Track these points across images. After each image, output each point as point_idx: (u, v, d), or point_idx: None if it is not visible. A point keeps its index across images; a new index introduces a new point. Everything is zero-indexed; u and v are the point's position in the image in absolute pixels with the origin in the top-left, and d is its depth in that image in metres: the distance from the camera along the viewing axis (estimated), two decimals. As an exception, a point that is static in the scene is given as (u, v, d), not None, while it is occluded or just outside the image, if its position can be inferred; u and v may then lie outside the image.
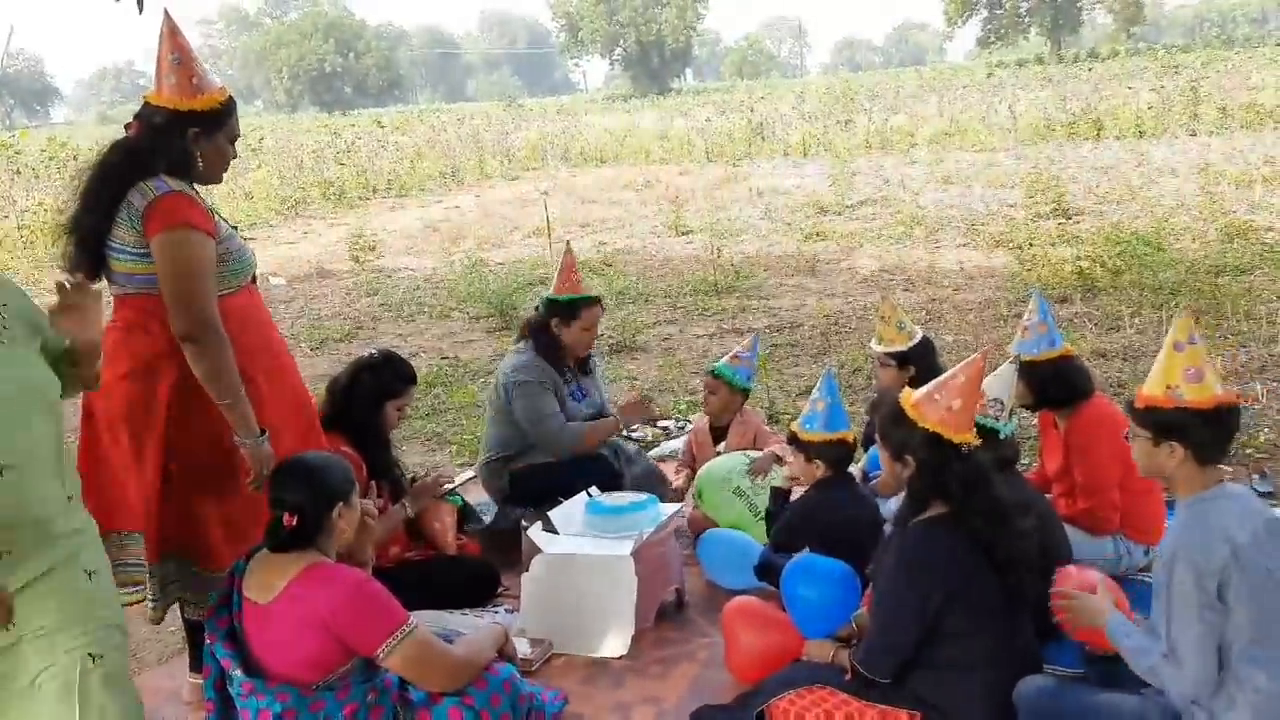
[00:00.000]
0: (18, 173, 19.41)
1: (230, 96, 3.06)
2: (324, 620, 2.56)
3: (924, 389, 2.82)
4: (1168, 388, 2.52)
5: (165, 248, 2.86)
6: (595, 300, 4.62)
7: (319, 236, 15.64)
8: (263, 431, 2.99)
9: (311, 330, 9.31)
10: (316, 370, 7.61)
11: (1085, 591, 2.85)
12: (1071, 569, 3.14)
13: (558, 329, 4.51)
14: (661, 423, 4.67)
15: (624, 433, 4.71)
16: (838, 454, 3.59)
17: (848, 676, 2.82)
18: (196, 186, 3.11)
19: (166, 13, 3.01)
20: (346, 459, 3.69)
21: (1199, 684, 2.41)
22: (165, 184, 2.91)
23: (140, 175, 2.92)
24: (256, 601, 2.64)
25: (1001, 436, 3.34)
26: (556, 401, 4.44)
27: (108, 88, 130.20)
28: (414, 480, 4.14)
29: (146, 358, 2.97)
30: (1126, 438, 2.64)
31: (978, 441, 2.79)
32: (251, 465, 2.97)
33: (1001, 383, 3.39)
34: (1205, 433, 2.49)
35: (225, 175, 3.20)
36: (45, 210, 15.68)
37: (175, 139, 2.97)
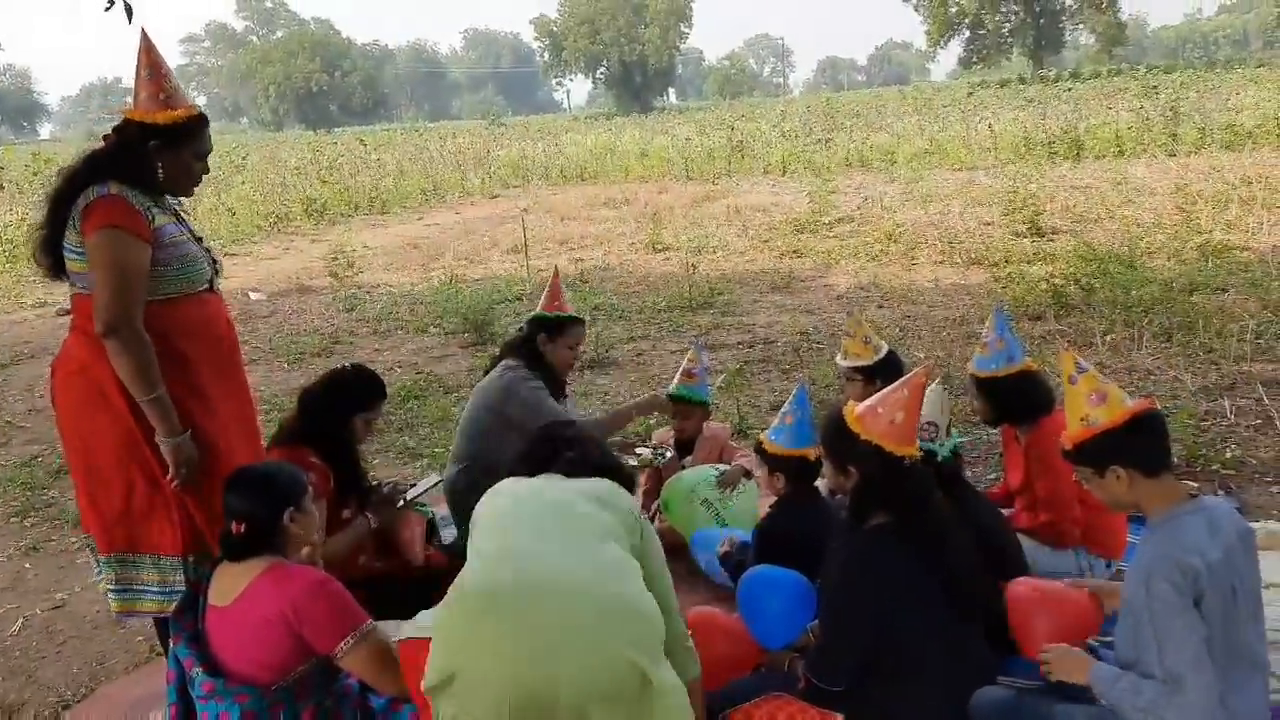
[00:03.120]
0: (1, 188, 19.38)
1: (198, 115, 3.15)
2: (284, 615, 2.57)
3: (867, 402, 2.86)
4: (1081, 420, 2.55)
5: (94, 247, 2.97)
6: (580, 321, 4.65)
7: (300, 252, 15.64)
8: (185, 430, 3.05)
9: (289, 344, 9.32)
10: (292, 384, 7.61)
11: (1047, 600, 2.86)
12: (1024, 582, 3.14)
13: (543, 346, 4.53)
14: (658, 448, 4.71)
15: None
16: (798, 469, 3.61)
17: (801, 685, 2.83)
18: (180, 198, 3.26)
19: (143, 30, 3.13)
20: (315, 470, 3.71)
21: (1207, 705, 2.36)
22: (107, 188, 3.00)
23: (91, 181, 3.02)
24: (217, 605, 2.67)
25: (939, 459, 3.36)
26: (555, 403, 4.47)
27: (95, 104, 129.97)
28: (375, 488, 4.15)
29: (88, 355, 3.07)
30: (1079, 483, 2.66)
31: (920, 455, 2.81)
32: (171, 463, 3.04)
33: (932, 405, 3.40)
34: (1134, 446, 2.51)
35: (198, 189, 3.29)
36: (28, 226, 15.65)
37: (137, 150, 3.07)
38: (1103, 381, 2.57)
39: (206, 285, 3.22)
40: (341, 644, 2.61)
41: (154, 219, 3.06)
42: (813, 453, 3.62)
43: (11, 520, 5.58)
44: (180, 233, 3.16)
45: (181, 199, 3.37)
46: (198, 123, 3.15)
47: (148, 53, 3.08)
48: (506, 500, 2.62)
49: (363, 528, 3.90)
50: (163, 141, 3.08)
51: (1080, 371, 2.57)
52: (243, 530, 2.66)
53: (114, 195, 2.99)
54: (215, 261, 3.32)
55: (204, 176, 3.26)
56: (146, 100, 3.08)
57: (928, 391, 3.43)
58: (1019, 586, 3.06)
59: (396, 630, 3.55)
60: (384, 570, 4.01)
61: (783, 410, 3.70)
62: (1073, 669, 2.63)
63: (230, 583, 2.67)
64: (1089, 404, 2.54)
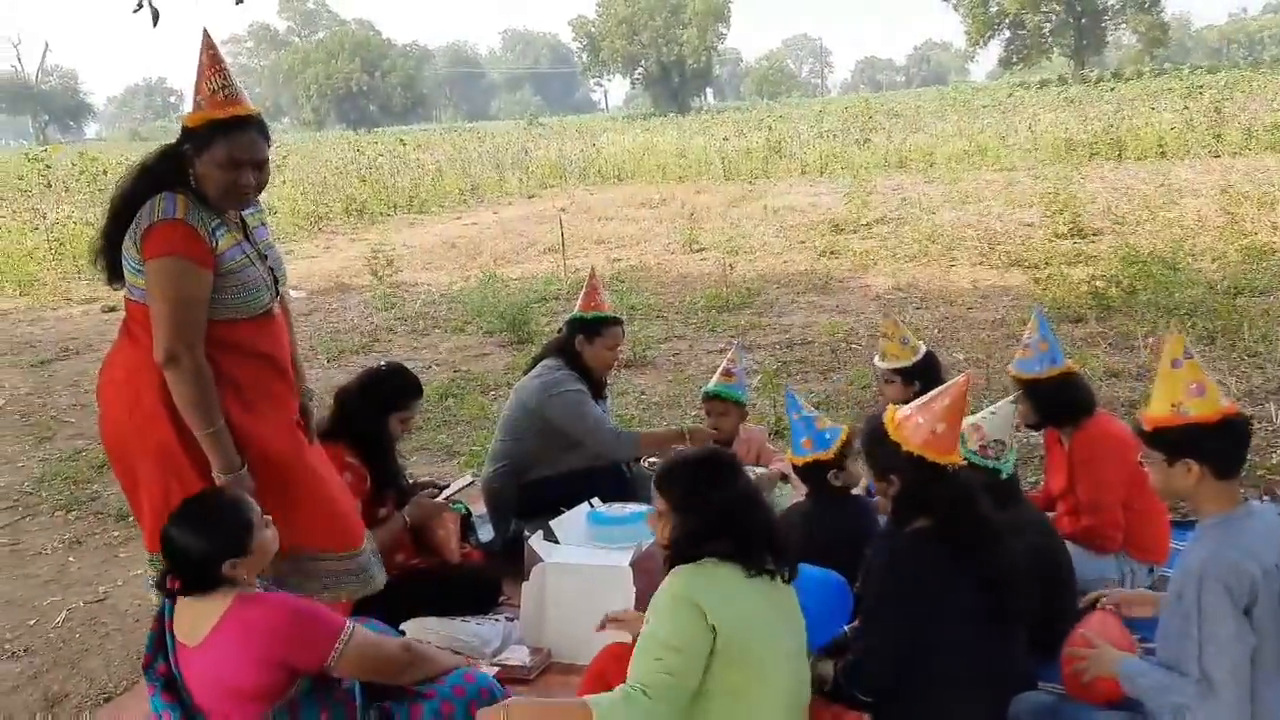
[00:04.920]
0: (48, 186, 19.69)
1: (224, 118, 2.91)
2: (263, 648, 2.50)
3: (907, 410, 2.79)
4: (1173, 406, 2.48)
5: (153, 273, 2.87)
6: (618, 321, 4.64)
7: (340, 251, 15.77)
8: (241, 465, 2.94)
9: (329, 342, 9.39)
10: (331, 381, 7.66)
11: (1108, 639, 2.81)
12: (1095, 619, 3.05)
13: (580, 347, 4.54)
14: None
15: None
16: (815, 470, 3.59)
17: (826, 687, 2.81)
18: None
19: (204, 29, 3.01)
20: (350, 470, 3.74)
21: (1239, 715, 2.33)
22: (174, 206, 2.88)
23: (156, 189, 2.93)
24: (187, 645, 2.57)
25: (1004, 476, 3.30)
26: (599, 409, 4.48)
27: (140, 104, 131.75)
28: (414, 486, 4.17)
29: (131, 362, 3.01)
30: (1141, 462, 2.61)
31: (963, 462, 2.77)
32: None
33: (1001, 422, 3.34)
34: (1218, 446, 2.45)
35: (249, 200, 3.07)
36: (74, 223, 15.91)
37: (178, 154, 2.98)
38: (1205, 374, 2.50)
39: (263, 311, 3.08)
40: (330, 657, 2.54)
41: (217, 243, 2.93)
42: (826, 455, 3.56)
43: (56, 514, 5.67)
44: (242, 255, 3.01)
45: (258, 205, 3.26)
46: (220, 126, 2.90)
47: (204, 52, 2.95)
48: (785, 675, 2.53)
49: (397, 525, 3.94)
50: (193, 146, 2.93)
51: (1187, 358, 2.49)
52: (177, 586, 2.56)
53: (178, 220, 2.86)
54: (277, 280, 3.16)
55: (247, 186, 2.98)
56: (193, 103, 2.98)
57: (998, 409, 3.37)
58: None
59: (442, 627, 3.61)
60: (420, 568, 4.04)
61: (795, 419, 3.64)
62: (1106, 663, 2.60)
63: (196, 618, 2.56)
64: (1186, 392, 2.47)
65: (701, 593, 2.41)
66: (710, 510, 2.52)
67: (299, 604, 2.62)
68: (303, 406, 3.39)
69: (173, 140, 3.04)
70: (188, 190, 2.94)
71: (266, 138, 3.04)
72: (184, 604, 2.59)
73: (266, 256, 3.14)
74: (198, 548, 2.54)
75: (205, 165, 2.93)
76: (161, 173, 2.98)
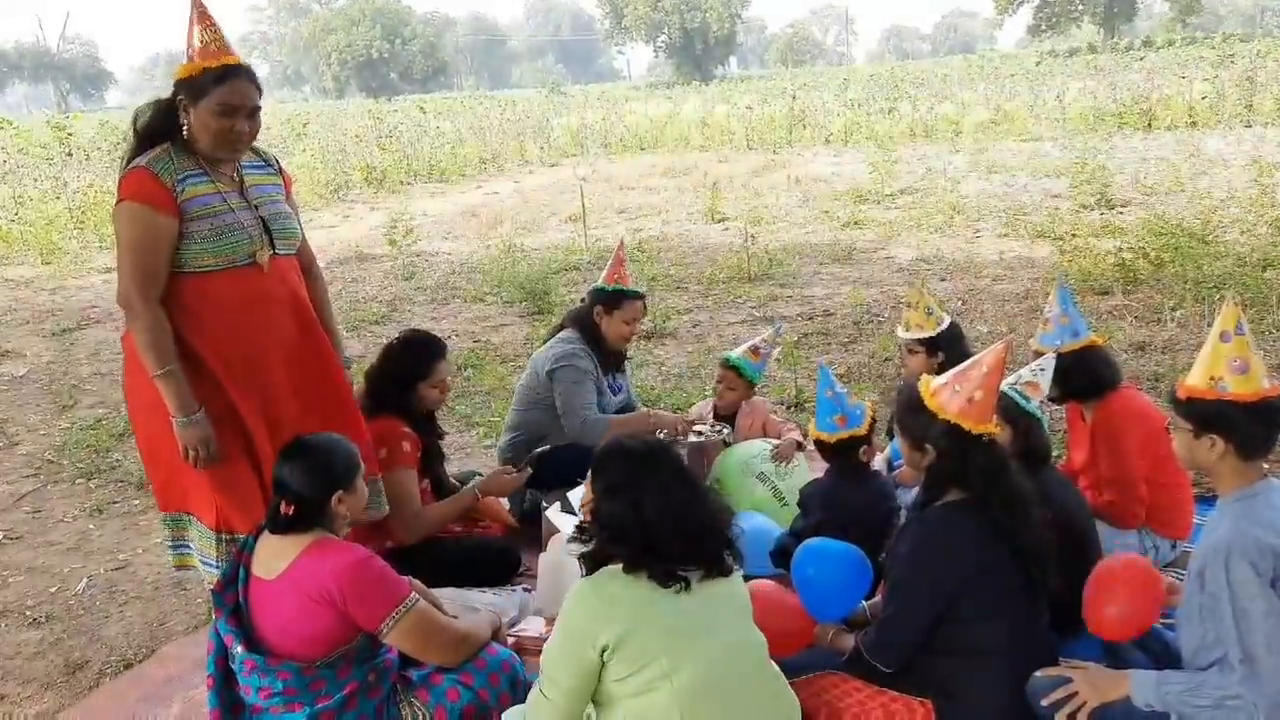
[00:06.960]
0: (69, 154, 19.71)
1: (216, 66, 2.97)
2: (329, 595, 2.57)
3: (943, 378, 2.75)
4: (1211, 379, 2.44)
5: (115, 220, 2.99)
6: (639, 295, 4.62)
7: (359, 220, 15.75)
8: (198, 409, 2.99)
9: (349, 312, 9.38)
10: (351, 351, 7.66)
11: (1130, 575, 2.77)
12: (1115, 560, 3.03)
13: (599, 318, 4.53)
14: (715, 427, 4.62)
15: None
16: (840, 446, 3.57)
17: (844, 658, 2.79)
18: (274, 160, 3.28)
19: None
20: (409, 440, 3.73)
21: (1278, 687, 2.30)
22: (146, 156, 2.98)
23: (146, 144, 3.03)
24: (262, 578, 2.66)
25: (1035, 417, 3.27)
26: (594, 393, 4.45)
27: (161, 73, 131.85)
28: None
29: None
30: (1169, 429, 2.57)
31: (999, 431, 2.73)
32: (179, 442, 3.00)
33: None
34: (1249, 427, 2.41)
35: (239, 148, 3.09)
36: (95, 191, 15.94)
37: (169, 108, 3.04)
38: (1252, 351, 2.44)
39: (249, 259, 3.08)
40: (386, 621, 2.62)
41: (184, 190, 2.97)
42: (819, 435, 3.57)
43: (78, 482, 5.71)
44: (220, 203, 3.03)
45: (276, 160, 3.33)
46: (211, 76, 2.96)
47: (193, 8, 3.01)
48: (700, 666, 2.35)
49: (468, 499, 3.97)
50: (186, 97, 2.98)
51: (1238, 333, 2.43)
52: (291, 512, 2.65)
53: (140, 167, 2.95)
54: (271, 233, 3.14)
55: (241, 134, 3.03)
56: (184, 56, 3.03)
57: (1046, 360, 3.37)
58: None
59: (459, 598, 3.61)
60: (442, 538, 4.03)
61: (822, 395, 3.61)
62: (1108, 688, 2.55)
63: (275, 554, 2.66)
64: (1228, 368, 2.41)
65: (592, 618, 2.38)
66: (632, 509, 2.39)
67: (371, 560, 2.69)
68: None
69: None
70: (177, 141, 3.01)
71: (258, 87, 3.08)
72: (265, 541, 2.70)
73: (259, 208, 3.15)
74: (315, 477, 2.66)
75: (199, 114, 2.98)
76: (150, 126, 3.05)
